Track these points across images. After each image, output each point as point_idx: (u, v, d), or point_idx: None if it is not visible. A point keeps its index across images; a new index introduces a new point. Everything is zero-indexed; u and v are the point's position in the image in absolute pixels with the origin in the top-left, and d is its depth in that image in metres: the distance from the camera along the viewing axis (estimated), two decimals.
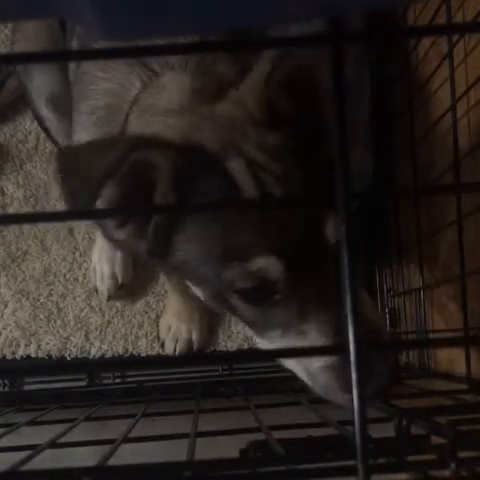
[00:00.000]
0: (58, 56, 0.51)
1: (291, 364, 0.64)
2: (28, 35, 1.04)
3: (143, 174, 0.59)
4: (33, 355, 1.17)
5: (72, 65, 0.89)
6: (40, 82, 1.05)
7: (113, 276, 1.17)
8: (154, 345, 1.18)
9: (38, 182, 1.23)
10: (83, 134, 0.80)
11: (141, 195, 0.61)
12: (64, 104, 1.03)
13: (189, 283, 0.70)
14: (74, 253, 1.21)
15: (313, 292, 0.59)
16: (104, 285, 1.18)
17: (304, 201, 0.51)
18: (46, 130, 1.11)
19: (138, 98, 0.72)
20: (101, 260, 1.18)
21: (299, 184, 0.60)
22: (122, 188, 0.59)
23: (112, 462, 0.44)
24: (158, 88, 0.72)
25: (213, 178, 0.61)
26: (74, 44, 0.90)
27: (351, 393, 0.58)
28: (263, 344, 0.66)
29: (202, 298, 0.69)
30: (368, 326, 0.59)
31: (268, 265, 0.58)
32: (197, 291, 0.69)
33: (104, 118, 0.77)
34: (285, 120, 0.62)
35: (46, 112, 1.07)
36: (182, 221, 0.62)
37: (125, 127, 0.72)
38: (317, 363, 0.60)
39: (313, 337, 0.60)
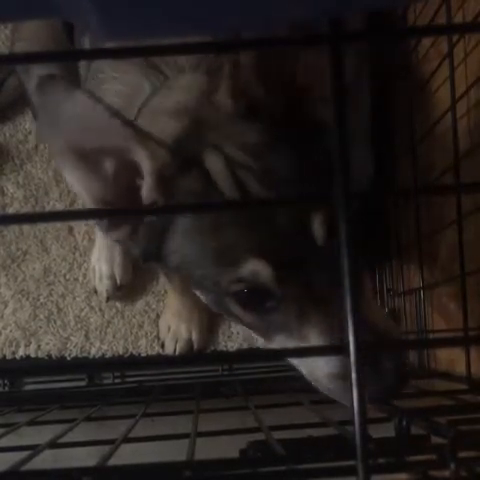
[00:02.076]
0: (58, 56, 0.51)
1: (298, 366, 0.64)
2: (28, 34, 1.04)
3: (129, 172, 0.60)
4: (33, 355, 1.17)
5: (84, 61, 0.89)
6: None
7: (112, 277, 1.17)
8: (154, 345, 1.18)
9: (38, 182, 1.23)
10: None
11: (127, 194, 0.61)
12: None
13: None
14: (74, 253, 1.21)
15: (309, 294, 0.59)
16: (103, 286, 1.18)
17: (298, 200, 0.51)
18: None
19: (147, 101, 0.72)
20: (100, 260, 1.17)
21: (285, 179, 0.59)
22: (108, 186, 0.60)
23: (112, 462, 0.44)
24: (167, 91, 0.71)
25: (193, 178, 0.60)
26: (86, 42, 0.89)
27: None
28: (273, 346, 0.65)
29: (205, 301, 0.68)
30: (372, 329, 0.58)
31: (258, 269, 0.58)
32: (199, 294, 0.69)
33: None
34: (266, 111, 0.61)
35: None
36: (173, 222, 0.61)
37: None
38: (323, 371, 0.60)
39: (315, 340, 0.59)
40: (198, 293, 0.68)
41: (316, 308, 0.59)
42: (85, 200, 0.61)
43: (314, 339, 0.59)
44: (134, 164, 0.60)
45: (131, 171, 0.60)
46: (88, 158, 0.58)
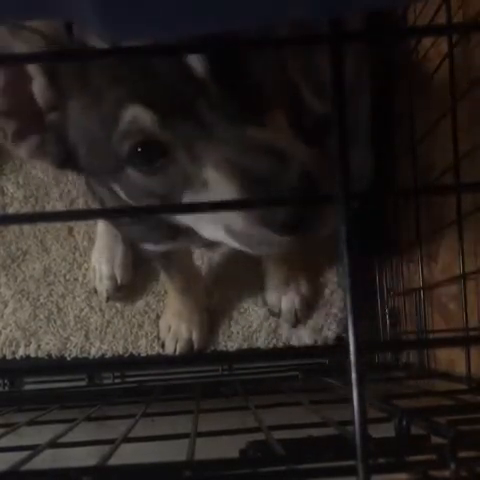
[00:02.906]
0: (57, 56, 0.51)
1: (215, 233, 0.60)
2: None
3: (19, 78, 0.60)
4: (33, 355, 1.17)
5: None
6: None
7: (112, 277, 1.17)
8: (154, 345, 1.18)
9: (38, 182, 1.23)
10: None
11: (24, 102, 0.61)
12: None
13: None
14: (74, 253, 1.21)
15: (202, 136, 0.55)
16: (103, 286, 1.18)
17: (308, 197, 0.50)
18: None
19: None
20: (100, 261, 1.18)
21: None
22: (2, 97, 0.60)
23: (112, 462, 0.44)
24: None
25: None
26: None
27: (267, 226, 0.54)
28: (192, 223, 0.62)
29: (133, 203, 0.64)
30: (268, 150, 0.53)
31: (137, 114, 0.55)
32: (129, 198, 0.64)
33: None
34: None
35: None
36: (66, 115, 0.61)
37: None
38: (237, 219, 0.55)
39: (216, 184, 0.55)
40: (128, 199, 0.64)
41: (213, 148, 0.55)
42: None
43: (214, 182, 0.55)
44: (21, 67, 0.60)
45: (21, 77, 0.60)
46: None
